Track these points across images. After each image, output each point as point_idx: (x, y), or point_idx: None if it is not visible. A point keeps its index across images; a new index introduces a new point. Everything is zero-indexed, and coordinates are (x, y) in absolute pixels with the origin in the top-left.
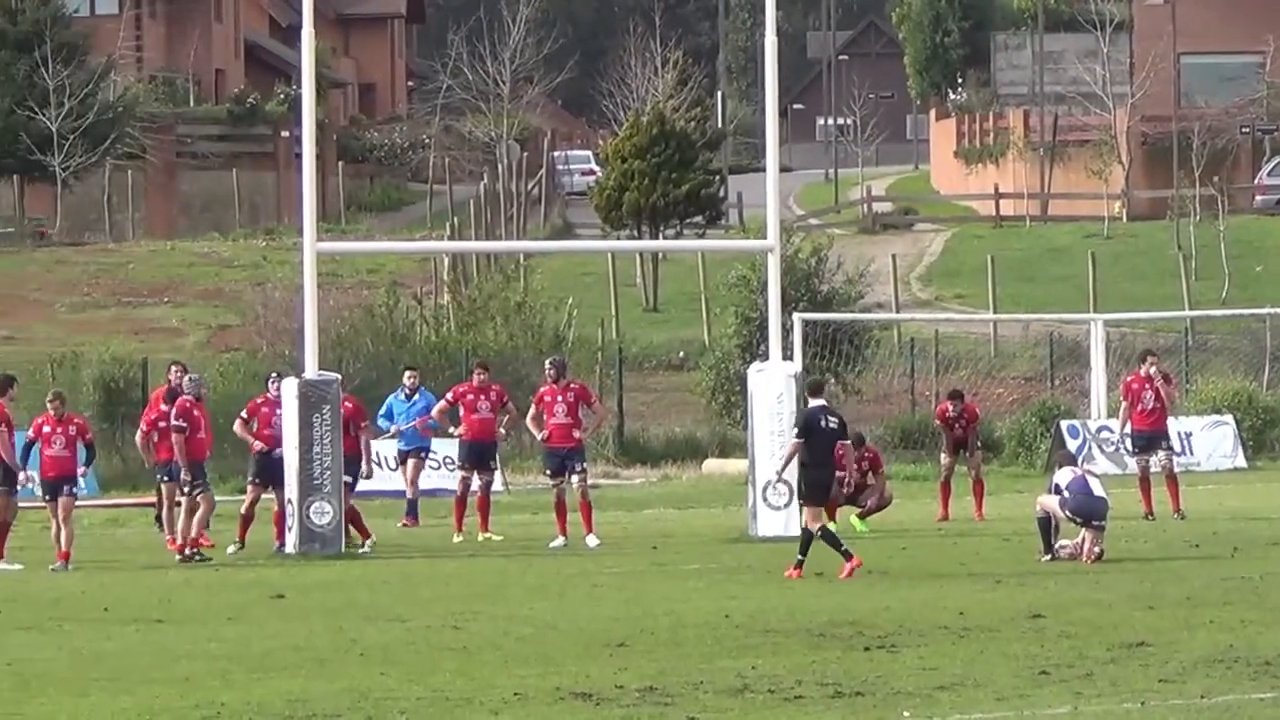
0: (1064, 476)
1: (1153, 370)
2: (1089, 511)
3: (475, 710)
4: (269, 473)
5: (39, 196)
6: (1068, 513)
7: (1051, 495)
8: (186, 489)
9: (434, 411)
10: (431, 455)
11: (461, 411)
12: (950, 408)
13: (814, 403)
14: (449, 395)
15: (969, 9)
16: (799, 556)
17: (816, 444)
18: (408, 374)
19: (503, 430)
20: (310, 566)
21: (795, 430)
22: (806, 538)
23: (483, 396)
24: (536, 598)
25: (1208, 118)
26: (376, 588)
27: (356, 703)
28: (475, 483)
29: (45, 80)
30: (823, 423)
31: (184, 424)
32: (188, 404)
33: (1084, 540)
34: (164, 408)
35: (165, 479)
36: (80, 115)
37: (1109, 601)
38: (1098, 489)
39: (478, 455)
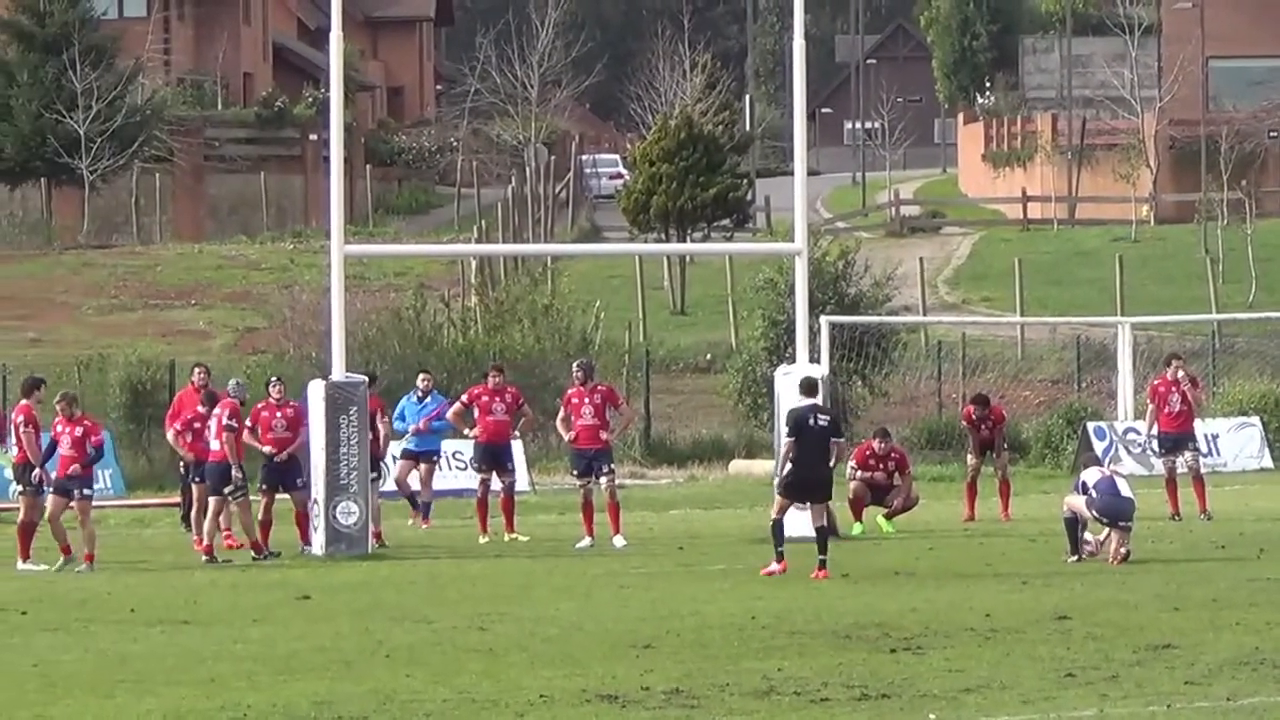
0: (1091, 475)
1: (1179, 374)
2: (1116, 512)
3: (501, 712)
4: (275, 477)
5: (66, 199)
6: (1094, 513)
7: (1078, 495)
8: (228, 490)
9: (449, 413)
10: (459, 455)
11: (476, 413)
12: (974, 412)
13: (805, 402)
14: (464, 397)
15: (997, 13)
16: (820, 557)
17: (807, 443)
18: (421, 376)
19: (517, 433)
20: (336, 567)
21: (786, 430)
22: (822, 537)
23: (497, 398)
24: (562, 599)
25: (1236, 121)
26: (403, 589)
27: (382, 704)
28: (496, 484)
29: (73, 83)
30: (812, 421)
31: (236, 425)
32: (238, 406)
33: (1111, 540)
34: (201, 409)
35: (197, 480)
36: (108, 118)
37: (1135, 603)
38: (1125, 489)
39: (493, 457)
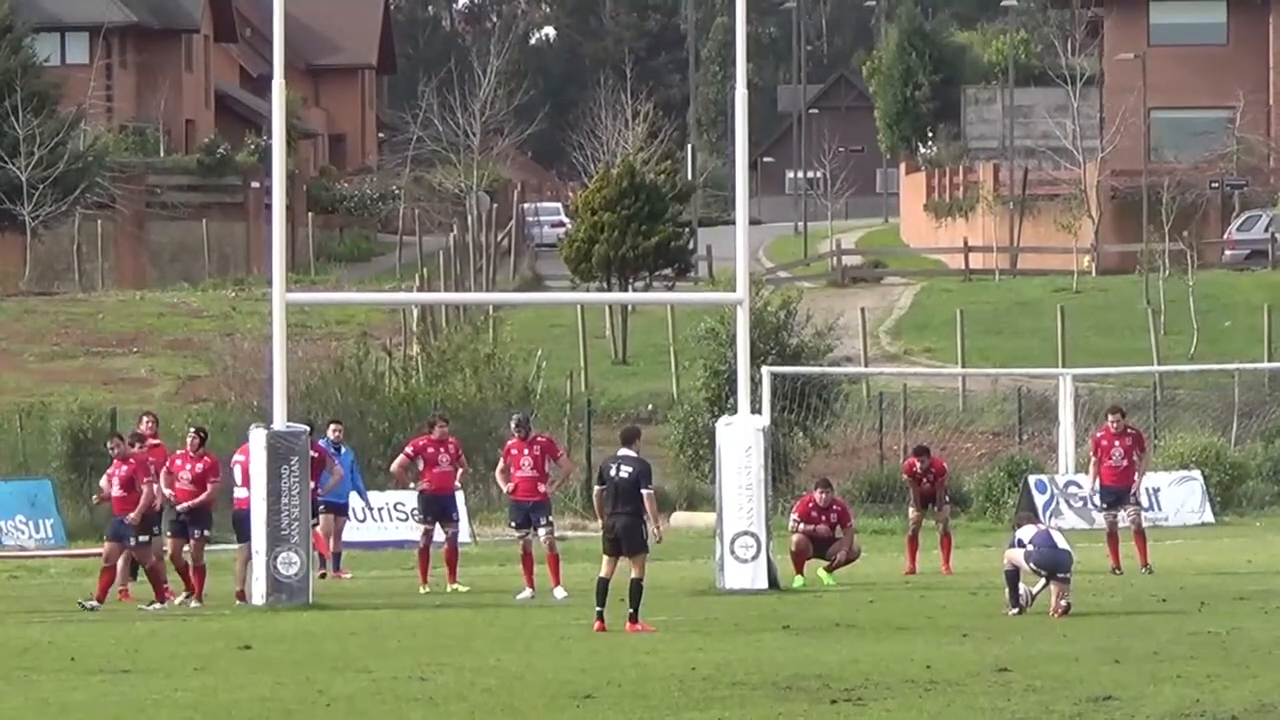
0: (1027, 533)
1: (1126, 430)
2: (1053, 564)
3: None
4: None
5: (8, 246)
6: (1032, 565)
7: (1016, 549)
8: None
9: (394, 466)
10: (400, 507)
11: (422, 465)
12: (918, 464)
13: (620, 452)
14: (408, 449)
15: (939, 63)
16: (629, 610)
17: (611, 493)
18: (332, 427)
19: (459, 483)
20: (277, 617)
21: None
22: (635, 590)
23: (442, 449)
24: (503, 649)
25: (1177, 172)
26: (343, 639)
27: None
28: (440, 535)
29: (15, 129)
30: (612, 471)
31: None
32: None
33: (1050, 593)
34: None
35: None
36: (50, 165)
37: (1075, 655)
38: (1061, 542)
39: (440, 508)
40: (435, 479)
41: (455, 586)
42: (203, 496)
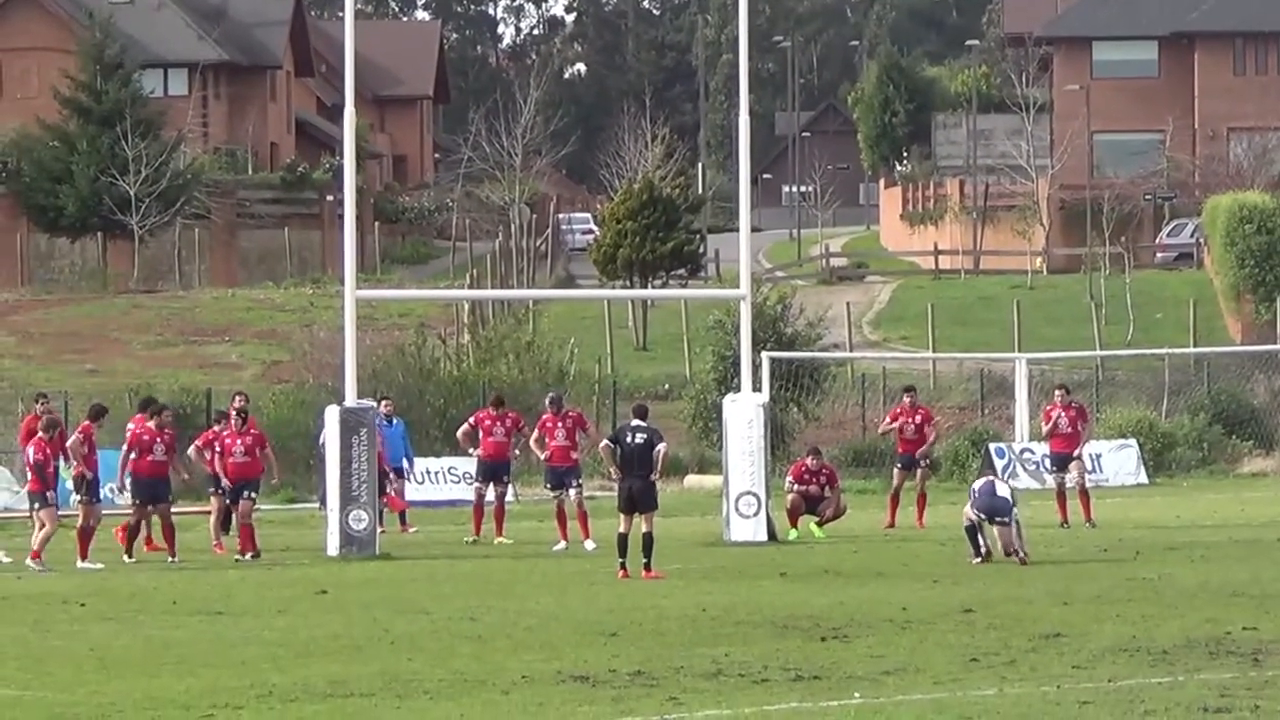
0: (978, 484)
1: (1070, 403)
2: (991, 508)
3: (489, 690)
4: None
5: (119, 250)
6: (976, 510)
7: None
8: None
9: (459, 433)
10: (453, 470)
11: (480, 435)
12: (908, 401)
13: (633, 422)
14: (471, 419)
15: (913, 93)
16: (644, 560)
17: (625, 458)
18: (384, 403)
19: (517, 451)
20: (348, 566)
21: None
22: (647, 542)
23: (498, 423)
24: (541, 593)
25: (1116, 186)
26: (405, 584)
27: (388, 684)
28: (490, 494)
29: (125, 151)
30: (628, 437)
31: None
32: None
33: (997, 539)
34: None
35: (214, 491)
36: (155, 181)
37: (1030, 598)
38: (1001, 490)
39: (491, 471)
40: (490, 447)
41: (501, 540)
42: (273, 472)
